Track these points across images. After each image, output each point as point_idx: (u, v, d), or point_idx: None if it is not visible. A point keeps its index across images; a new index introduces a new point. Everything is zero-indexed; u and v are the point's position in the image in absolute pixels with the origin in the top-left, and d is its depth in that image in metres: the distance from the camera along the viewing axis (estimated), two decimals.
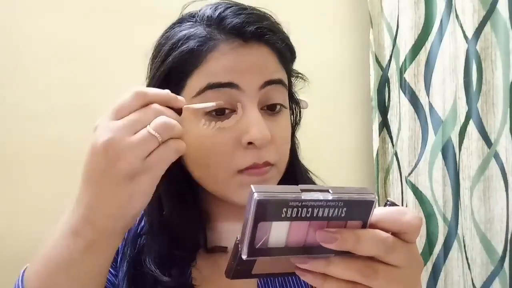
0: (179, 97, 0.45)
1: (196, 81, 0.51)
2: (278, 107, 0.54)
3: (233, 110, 0.51)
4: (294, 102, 0.63)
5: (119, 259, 0.59)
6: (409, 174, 1.13)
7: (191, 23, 0.54)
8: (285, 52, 0.56)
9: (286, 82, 0.56)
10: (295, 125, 0.64)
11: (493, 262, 1.03)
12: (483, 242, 1.04)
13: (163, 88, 0.49)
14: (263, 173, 0.52)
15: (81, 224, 0.43)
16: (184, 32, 0.53)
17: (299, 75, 0.63)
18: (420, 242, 1.13)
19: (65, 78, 1.07)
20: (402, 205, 1.15)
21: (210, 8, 0.54)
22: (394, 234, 0.36)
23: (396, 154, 1.15)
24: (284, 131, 0.55)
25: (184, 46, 0.52)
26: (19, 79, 1.06)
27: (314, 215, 0.33)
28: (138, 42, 1.08)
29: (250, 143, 0.50)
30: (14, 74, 1.05)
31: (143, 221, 0.61)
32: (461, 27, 1.03)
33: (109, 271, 0.56)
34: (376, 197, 0.35)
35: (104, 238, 0.43)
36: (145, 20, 1.10)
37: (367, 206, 0.34)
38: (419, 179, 1.13)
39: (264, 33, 0.52)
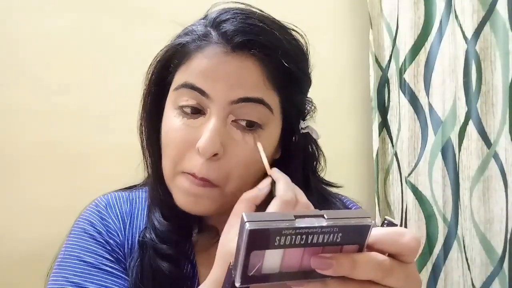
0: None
1: (179, 76, 0.54)
2: (255, 124, 0.53)
3: (204, 114, 0.53)
4: (297, 130, 0.60)
5: (127, 260, 0.59)
6: (409, 175, 1.13)
7: (204, 20, 0.56)
8: (279, 73, 0.53)
9: (274, 104, 0.54)
10: (296, 152, 0.61)
11: (493, 262, 1.03)
12: (483, 243, 1.04)
13: (160, 73, 0.57)
14: (196, 184, 0.52)
15: None
16: (190, 28, 0.56)
17: (309, 105, 0.61)
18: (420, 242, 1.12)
19: (65, 78, 1.07)
20: (402, 205, 1.15)
21: (220, 10, 0.55)
22: (391, 255, 0.35)
23: (396, 154, 1.16)
24: (247, 152, 0.53)
25: (178, 40, 0.56)
26: (19, 79, 1.06)
27: (309, 242, 0.32)
28: (138, 42, 1.09)
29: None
30: (14, 74, 1.06)
31: (144, 220, 0.62)
32: (461, 27, 1.03)
33: (123, 277, 0.57)
34: (373, 221, 0.33)
35: None
36: (145, 20, 1.10)
37: (364, 230, 0.33)
38: (419, 180, 1.13)
39: (253, 46, 0.51)
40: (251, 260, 0.32)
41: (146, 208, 0.62)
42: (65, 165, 1.06)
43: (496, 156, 1.02)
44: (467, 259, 1.05)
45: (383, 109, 1.20)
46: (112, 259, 0.57)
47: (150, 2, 1.11)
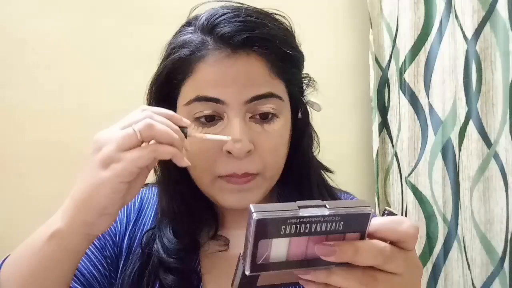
0: (184, 119, 0.48)
1: (187, 90, 0.54)
2: (270, 115, 0.55)
3: (221, 118, 0.54)
4: (301, 106, 0.62)
5: (122, 259, 0.60)
6: (409, 175, 1.13)
7: (192, 28, 0.56)
8: (280, 61, 0.55)
9: (282, 91, 0.56)
10: (304, 128, 0.63)
11: (493, 262, 1.03)
12: (483, 243, 1.04)
13: (163, 91, 0.55)
14: (243, 183, 0.55)
15: (58, 213, 0.46)
16: (181, 38, 0.56)
17: (307, 80, 0.63)
18: (420, 242, 1.13)
19: (66, 78, 1.07)
20: (402, 205, 1.15)
21: (207, 14, 0.55)
22: (392, 243, 0.37)
23: (396, 154, 1.16)
24: (273, 139, 0.56)
25: (176, 54, 0.55)
26: (19, 79, 1.06)
27: (313, 230, 0.34)
28: (138, 42, 1.09)
29: (229, 152, 0.53)
30: (14, 74, 1.06)
31: (152, 218, 0.63)
32: (461, 27, 1.03)
33: (97, 265, 0.58)
34: (373, 210, 0.36)
35: (65, 229, 0.45)
36: (145, 20, 1.10)
37: (364, 218, 0.35)
38: (419, 180, 1.13)
39: (253, 43, 0.52)
40: (259, 249, 0.33)
41: (155, 204, 0.63)
42: (65, 165, 1.06)
43: (496, 156, 1.02)
44: (467, 259, 1.05)
45: (383, 109, 1.20)
46: (97, 244, 0.59)
47: (151, 2, 1.11)
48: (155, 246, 0.58)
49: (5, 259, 0.51)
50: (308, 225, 0.33)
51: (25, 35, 1.06)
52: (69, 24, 1.07)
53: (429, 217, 1.12)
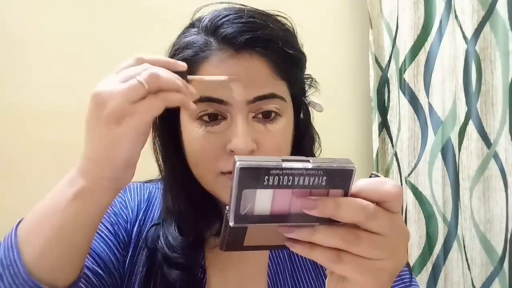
0: (179, 62, 0.48)
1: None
2: (273, 114, 0.56)
3: (224, 117, 0.54)
4: (303, 106, 0.63)
5: (131, 246, 0.60)
6: (409, 175, 1.13)
7: (196, 29, 0.57)
8: (283, 62, 0.56)
9: (284, 92, 0.56)
10: (305, 129, 0.63)
11: (493, 262, 1.03)
12: (483, 243, 1.04)
13: None
14: None
15: (74, 173, 0.47)
16: (185, 40, 0.56)
17: (309, 81, 0.63)
18: (420, 242, 1.13)
19: (65, 78, 1.07)
20: (402, 206, 1.15)
21: (210, 16, 0.56)
22: (376, 203, 0.37)
23: (395, 154, 1.16)
24: (276, 139, 0.56)
25: (180, 55, 0.55)
26: (19, 79, 1.06)
27: (295, 183, 0.34)
28: (139, 42, 1.09)
29: (232, 151, 0.53)
30: (14, 74, 1.06)
31: (158, 212, 0.63)
32: (461, 27, 1.03)
33: (113, 249, 0.58)
34: (356, 167, 0.35)
35: (92, 187, 0.45)
36: (145, 20, 1.10)
37: (347, 175, 0.35)
38: (418, 180, 1.13)
39: (256, 44, 0.53)
40: (243, 199, 0.34)
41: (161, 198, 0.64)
42: (65, 165, 1.06)
43: (496, 156, 1.02)
44: (467, 259, 1.05)
45: (383, 109, 1.20)
46: (111, 230, 0.59)
47: (152, 2, 1.11)
48: (159, 243, 0.58)
49: (18, 224, 0.51)
50: (291, 177, 0.34)
51: (25, 35, 1.06)
52: (69, 24, 1.08)
53: (429, 217, 1.12)
